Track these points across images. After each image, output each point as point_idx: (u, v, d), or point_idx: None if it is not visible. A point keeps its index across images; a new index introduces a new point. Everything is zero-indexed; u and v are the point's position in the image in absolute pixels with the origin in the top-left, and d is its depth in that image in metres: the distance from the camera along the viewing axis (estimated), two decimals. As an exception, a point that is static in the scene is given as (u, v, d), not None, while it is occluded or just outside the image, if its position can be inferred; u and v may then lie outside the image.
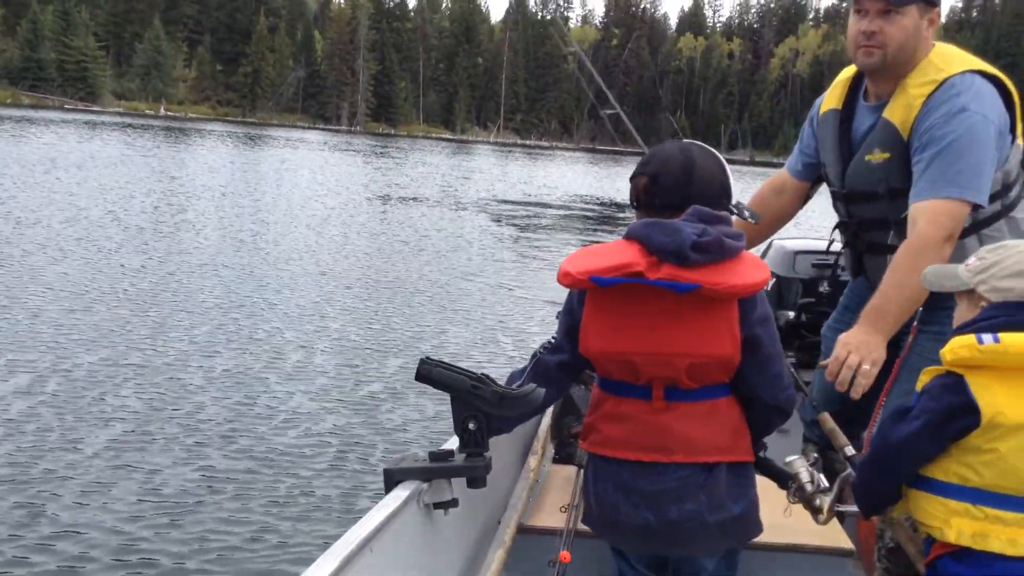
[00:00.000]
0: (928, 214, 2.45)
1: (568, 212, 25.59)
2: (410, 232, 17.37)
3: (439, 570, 2.01)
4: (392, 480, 1.86)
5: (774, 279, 3.94)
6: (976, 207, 2.48)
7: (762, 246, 4.18)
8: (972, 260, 1.98)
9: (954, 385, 1.84)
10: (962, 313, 1.98)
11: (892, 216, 2.63)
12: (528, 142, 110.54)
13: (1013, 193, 2.59)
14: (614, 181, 42.62)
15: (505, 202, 26.44)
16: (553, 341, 2.09)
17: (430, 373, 1.88)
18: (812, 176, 2.98)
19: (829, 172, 2.83)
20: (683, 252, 1.84)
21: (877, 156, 2.61)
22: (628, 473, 1.97)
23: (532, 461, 2.89)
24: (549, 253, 15.75)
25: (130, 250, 12.74)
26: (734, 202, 2.08)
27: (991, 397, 1.80)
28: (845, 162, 2.72)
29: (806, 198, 3.05)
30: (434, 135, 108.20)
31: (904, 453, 1.90)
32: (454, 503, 1.92)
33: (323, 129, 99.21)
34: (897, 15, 2.51)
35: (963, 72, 2.49)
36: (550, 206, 26.87)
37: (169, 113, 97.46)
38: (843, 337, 2.51)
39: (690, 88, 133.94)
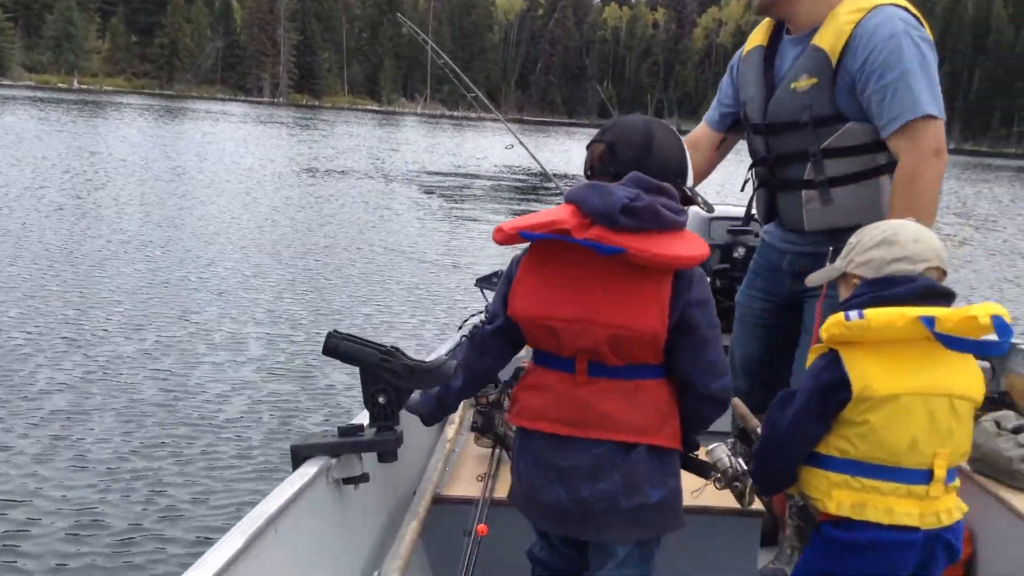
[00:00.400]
0: (908, 140, 2.49)
1: (496, 182, 25.53)
2: (336, 205, 17.13)
3: (351, 545, 1.99)
4: (300, 457, 1.83)
5: None
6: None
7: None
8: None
9: (830, 362, 1.92)
10: (842, 295, 2.07)
11: (812, 147, 2.64)
12: (455, 113, 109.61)
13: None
14: (541, 152, 42.59)
15: (433, 173, 26.25)
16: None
17: (337, 347, 1.85)
18: (728, 125, 3.01)
19: (750, 108, 2.82)
20: (612, 214, 1.78)
21: (803, 83, 2.61)
22: (544, 446, 1.93)
23: (449, 431, 2.87)
24: (477, 224, 15.70)
25: (49, 229, 12.28)
26: (689, 185, 2.04)
27: (861, 370, 1.88)
28: (769, 94, 2.73)
29: (723, 152, 3.07)
30: (360, 106, 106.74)
31: (791, 436, 1.97)
32: (364, 478, 1.90)
33: (244, 101, 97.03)
34: None
35: (890, 4, 2.54)
36: (478, 176, 26.77)
37: (83, 86, 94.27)
38: None
39: (616, 58, 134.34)
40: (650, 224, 1.80)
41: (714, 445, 2.09)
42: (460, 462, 2.71)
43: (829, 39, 2.57)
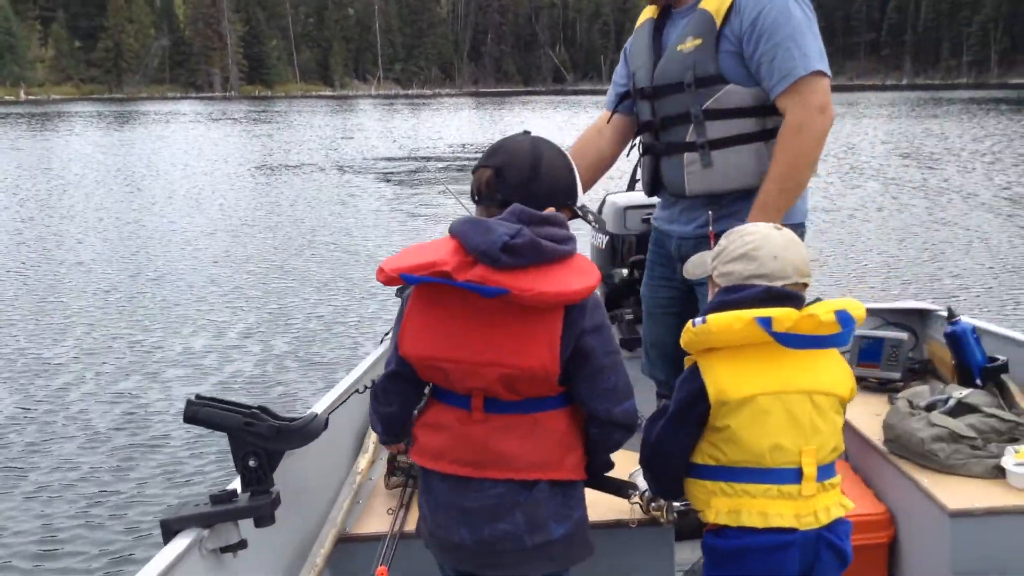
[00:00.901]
0: (794, 96, 2.58)
1: (451, 163, 25.36)
2: (287, 205, 16.93)
3: None
4: (170, 531, 1.77)
5: (607, 237, 3.96)
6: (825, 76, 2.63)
7: (598, 200, 4.20)
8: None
9: (691, 372, 1.95)
10: (708, 297, 2.07)
11: (695, 108, 2.69)
12: (410, 92, 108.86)
13: None
14: (496, 124, 42.43)
15: (389, 159, 26.05)
16: None
17: (196, 414, 1.81)
18: (618, 103, 3.02)
19: (639, 75, 2.87)
20: (493, 253, 1.72)
21: (688, 44, 2.68)
22: (445, 487, 1.89)
23: (362, 461, 2.80)
24: (433, 210, 15.60)
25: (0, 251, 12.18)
26: (579, 204, 2.00)
27: (714, 376, 1.90)
28: (657, 59, 2.79)
29: (625, 134, 3.06)
30: (313, 93, 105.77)
31: (663, 448, 1.98)
32: (242, 544, 1.85)
33: (196, 98, 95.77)
34: None
35: None
36: (434, 158, 26.58)
37: (30, 97, 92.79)
38: None
39: (566, 21, 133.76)
40: (534, 260, 1.74)
41: (635, 470, 2.08)
42: (373, 495, 2.67)
43: (714, 3, 2.65)
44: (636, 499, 2.08)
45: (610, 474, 2.11)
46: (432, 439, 1.91)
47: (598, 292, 1.90)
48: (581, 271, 1.80)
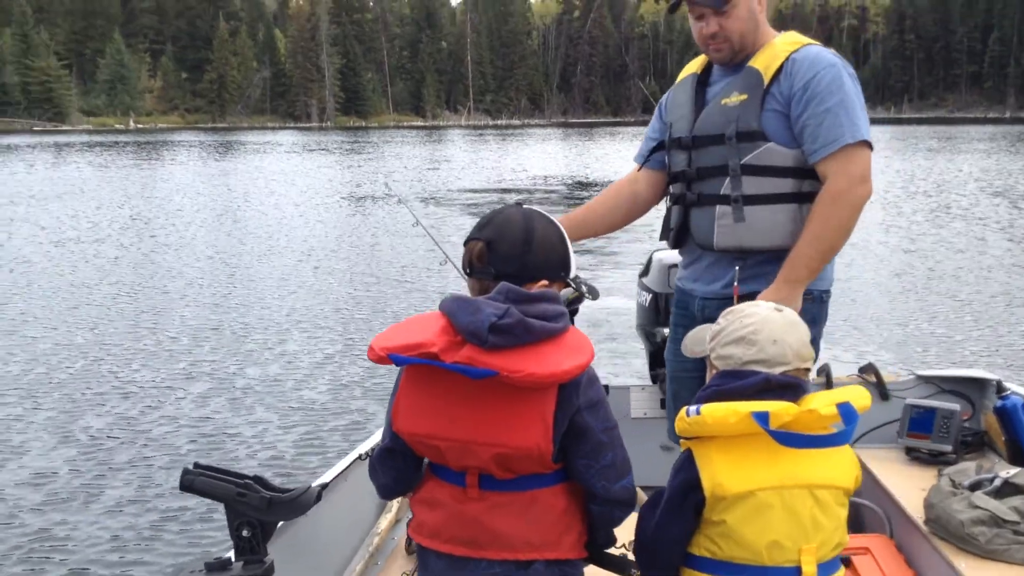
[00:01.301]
0: (838, 163, 2.61)
1: (535, 193, 25.50)
2: (373, 236, 17.31)
3: None
4: None
5: (651, 295, 3.95)
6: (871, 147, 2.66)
7: (643, 259, 4.19)
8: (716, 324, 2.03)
9: (686, 461, 1.90)
10: (709, 378, 2.02)
11: (733, 161, 2.71)
12: (499, 122, 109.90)
13: None
14: (581, 156, 42.48)
15: (474, 191, 26.33)
16: None
17: (192, 484, 1.85)
18: (654, 160, 3.05)
19: (678, 126, 2.90)
20: (481, 334, 1.71)
21: (734, 99, 2.73)
22: (442, 566, 1.89)
23: (383, 521, 2.82)
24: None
25: (110, 280, 12.71)
26: (572, 275, 1.99)
27: (711, 469, 1.85)
28: (698, 111, 2.83)
29: (658, 190, 3.10)
30: (405, 123, 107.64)
31: (658, 539, 1.94)
32: None
33: (294, 128, 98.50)
34: (731, 8, 2.69)
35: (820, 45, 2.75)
36: (517, 190, 26.77)
37: (139, 126, 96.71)
38: (760, 297, 2.60)
39: (656, 53, 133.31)
40: (523, 340, 1.73)
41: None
42: (392, 557, 2.68)
43: (764, 61, 2.72)
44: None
45: (613, 549, 2.09)
46: (428, 516, 1.91)
47: (593, 368, 1.85)
48: (574, 348, 1.78)
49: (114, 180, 30.23)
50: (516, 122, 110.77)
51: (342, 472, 2.54)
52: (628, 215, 3.14)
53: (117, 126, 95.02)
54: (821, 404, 1.84)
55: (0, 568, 4.84)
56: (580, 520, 1.91)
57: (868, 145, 2.65)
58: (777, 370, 1.88)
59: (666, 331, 3.89)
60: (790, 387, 1.88)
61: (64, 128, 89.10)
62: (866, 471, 3.24)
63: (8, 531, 5.24)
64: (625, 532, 2.07)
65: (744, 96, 2.71)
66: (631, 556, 2.04)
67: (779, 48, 2.72)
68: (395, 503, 2.90)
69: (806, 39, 2.77)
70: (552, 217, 1.99)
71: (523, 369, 1.70)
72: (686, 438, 1.93)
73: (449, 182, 29.22)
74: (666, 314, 3.93)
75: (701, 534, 1.91)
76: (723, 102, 2.75)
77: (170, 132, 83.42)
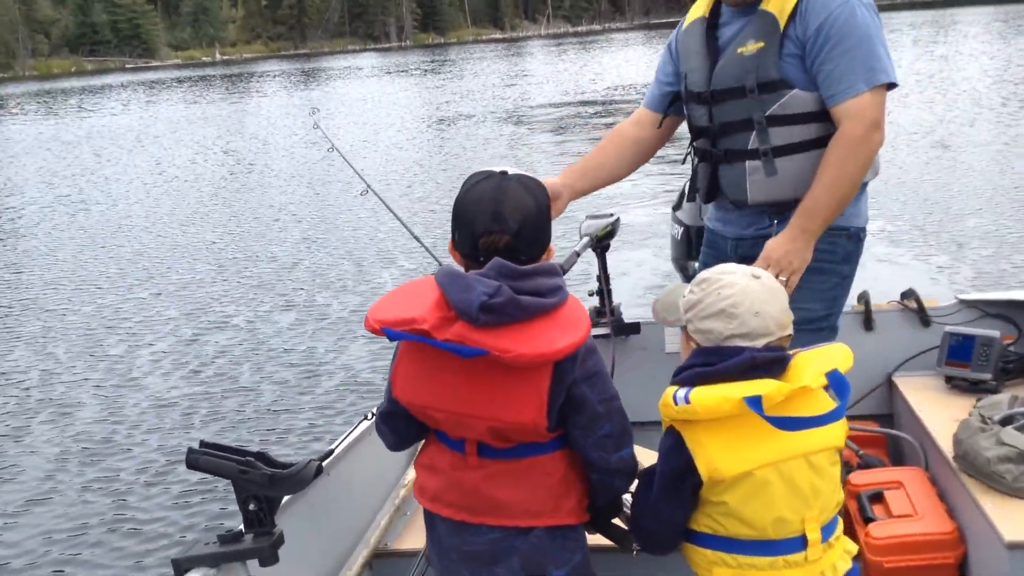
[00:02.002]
0: (852, 109, 2.48)
1: (614, 103, 25.01)
2: (455, 154, 17.22)
3: None
4: (180, 569, 1.89)
5: (683, 228, 3.87)
6: (891, 86, 2.54)
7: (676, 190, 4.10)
8: (688, 292, 1.95)
9: (675, 444, 1.83)
10: (683, 350, 1.96)
11: (757, 114, 2.59)
12: (580, 28, 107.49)
13: None
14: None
15: (554, 105, 25.97)
16: None
17: (197, 462, 1.91)
18: (668, 104, 2.91)
19: (693, 78, 2.75)
20: (471, 312, 1.68)
21: (750, 47, 2.57)
22: (445, 530, 1.92)
23: (411, 472, 2.86)
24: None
25: (212, 222, 13.02)
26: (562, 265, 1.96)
27: (705, 453, 1.79)
28: (713, 62, 2.67)
29: (666, 134, 2.98)
30: (484, 37, 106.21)
31: (657, 520, 1.91)
32: None
33: (374, 49, 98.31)
34: None
35: None
36: (596, 103, 26.28)
37: (224, 57, 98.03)
38: (767, 246, 2.57)
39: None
40: (515, 318, 1.71)
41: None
42: (418, 510, 2.76)
43: (777, 3, 2.53)
44: (637, 551, 2.03)
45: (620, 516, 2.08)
46: (429, 480, 1.94)
47: (592, 339, 1.83)
48: (569, 324, 1.75)
49: (206, 116, 30.91)
50: (597, 27, 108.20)
51: (363, 432, 2.60)
52: (634, 162, 3.02)
53: (204, 59, 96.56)
54: (809, 376, 1.78)
55: (16, 546, 5.02)
56: (580, 485, 1.91)
57: (883, 88, 2.51)
58: (760, 342, 1.82)
59: (695, 264, 3.84)
60: (776, 362, 1.82)
61: (154, 64, 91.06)
62: (903, 402, 3.17)
63: (24, 512, 5.39)
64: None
65: (761, 44, 2.54)
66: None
67: None
68: None
69: None
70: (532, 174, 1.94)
71: (513, 349, 1.69)
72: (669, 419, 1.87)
73: (529, 97, 28.88)
74: (698, 247, 3.86)
75: (701, 512, 1.87)
76: (739, 51, 2.59)
77: (254, 62, 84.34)
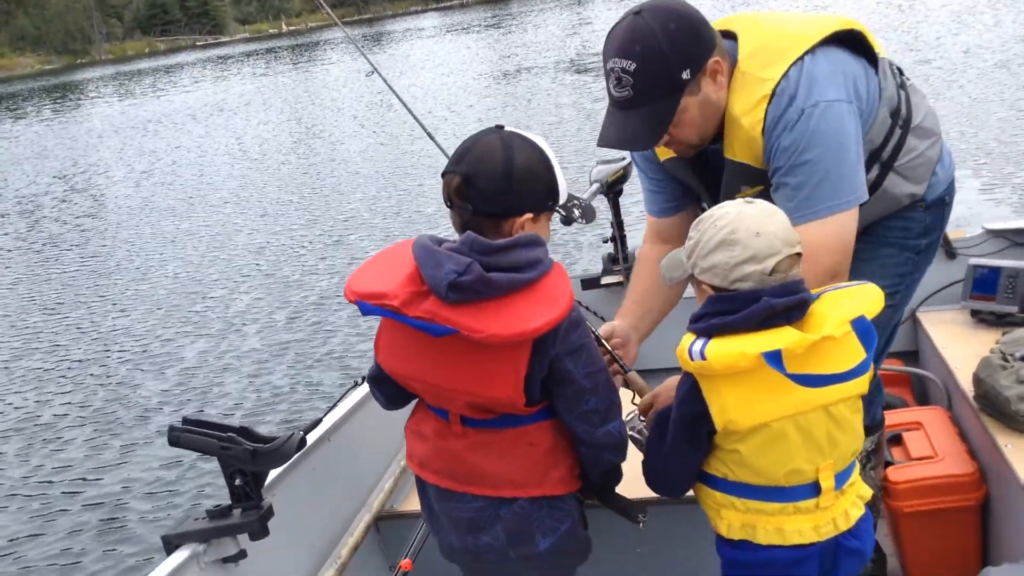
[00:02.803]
0: (813, 243, 1.95)
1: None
2: (514, 112, 17.10)
3: None
4: (171, 545, 1.92)
5: None
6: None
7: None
8: (687, 241, 1.87)
9: (690, 391, 1.78)
10: (699, 300, 1.87)
11: None
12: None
13: (903, 109, 2.28)
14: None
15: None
16: None
17: (178, 440, 1.93)
18: (682, 203, 2.47)
19: (704, 198, 2.41)
20: (440, 290, 1.64)
21: (748, 192, 2.17)
22: (433, 494, 1.92)
23: None
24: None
25: (282, 197, 13.13)
26: (563, 200, 1.85)
27: (721, 403, 1.73)
28: (715, 193, 2.28)
29: (686, 225, 2.53)
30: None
31: (674, 464, 1.86)
32: (242, 555, 1.98)
33: (435, 8, 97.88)
34: (680, 117, 2.07)
35: (786, 72, 2.04)
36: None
37: (290, 28, 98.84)
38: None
39: None
40: (485, 295, 1.65)
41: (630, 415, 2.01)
42: None
43: (745, 152, 2.13)
44: (644, 521, 1.97)
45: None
46: (417, 447, 1.92)
47: (577, 310, 1.75)
48: (547, 300, 1.67)
49: (275, 87, 31.18)
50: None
51: (364, 396, 2.61)
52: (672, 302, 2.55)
53: (271, 31, 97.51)
54: (834, 326, 1.69)
55: (9, 514, 5.12)
56: (569, 455, 1.86)
57: (846, 212, 2.06)
58: (769, 263, 1.72)
59: None
60: (796, 307, 1.72)
61: (223, 40, 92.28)
62: (927, 338, 3.04)
63: (9, 495, 5.47)
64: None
65: (759, 188, 2.16)
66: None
67: (747, 127, 2.09)
68: None
69: (766, 73, 2.06)
70: (536, 138, 1.81)
71: (485, 329, 1.63)
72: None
73: (590, 45, 28.38)
74: None
75: (714, 456, 1.83)
76: (738, 196, 2.04)
77: (319, 31, 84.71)
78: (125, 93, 39.25)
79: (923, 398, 3.14)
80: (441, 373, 1.76)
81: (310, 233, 10.59)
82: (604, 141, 2.13)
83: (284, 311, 7.95)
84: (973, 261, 3.02)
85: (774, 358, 1.66)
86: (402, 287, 1.69)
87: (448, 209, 1.81)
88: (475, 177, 1.74)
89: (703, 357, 1.68)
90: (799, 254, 1.78)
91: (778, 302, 1.69)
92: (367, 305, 1.73)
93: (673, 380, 2.08)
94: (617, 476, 1.97)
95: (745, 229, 1.75)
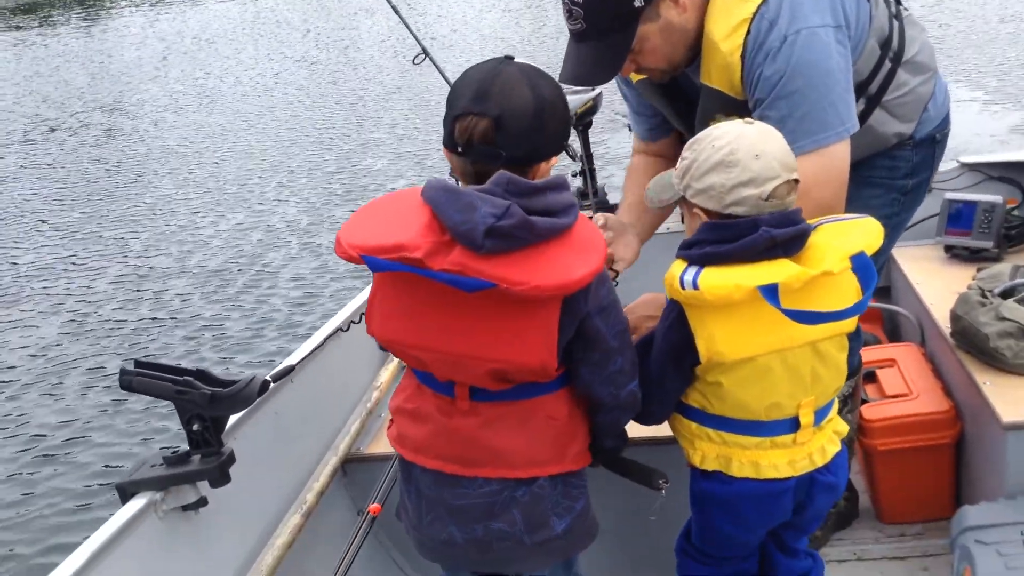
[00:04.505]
0: (802, 177, 1.79)
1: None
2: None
3: (220, 555, 1.98)
4: (127, 495, 1.80)
5: None
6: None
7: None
8: (680, 160, 1.77)
9: (676, 320, 1.70)
10: (688, 226, 1.79)
11: None
12: None
13: (895, 41, 2.16)
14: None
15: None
16: None
17: (130, 384, 1.80)
18: (669, 125, 2.37)
19: (675, 124, 2.34)
20: (474, 237, 1.43)
21: (721, 119, 1.98)
22: (429, 481, 1.70)
23: (384, 374, 2.73)
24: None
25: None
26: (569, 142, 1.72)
27: (707, 334, 1.66)
28: (690, 121, 2.18)
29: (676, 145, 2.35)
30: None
31: (652, 390, 1.78)
32: (202, 502, 1.87)
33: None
34: (640, 46, 1.96)
35: None
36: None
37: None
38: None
39: None
40: (526, 242, 1.47)
41: None
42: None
43: (722, 77, 2.00)
44: (666, 487, 1.81)
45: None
46: (411, 429, 1.71)
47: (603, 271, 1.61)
48: (585, 248, 1.51)
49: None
50: None
51: (322, 343, 2.45)
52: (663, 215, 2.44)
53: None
54: (833, 261, 1.62)
55: None
56: (584, 426, 1.73)
57: (836, 143, 1.95)
58: (767, 187, 1.64)
59: None
60: (796, 239, 1.64)
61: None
62: (901, 274, 3.00)
63: None
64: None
65: (733, 116, 1.91)
66: None
67: (726, 52, 1.96)
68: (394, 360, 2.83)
69: (738, 1, 1.94)
70: (547, 72, 1.64)
71: (527, 281, 1.44)
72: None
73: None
74: None
75: (693, 387, 1.77)
76: (711, 123, 1.93)
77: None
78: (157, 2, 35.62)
79: (895, 334, 3.12)
80: (460, 339, 1.55)
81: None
82: (562, 77, 2.01)
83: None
84: (948, 196, 2.97)
85: (770, 292, 1.60)
86: (422, 236, 1.47)
87: (454, 155, 1.60)
88: (506, 118, 1.54)
89: (695, 287, 1.61)
90: (796, 180, 1.70)
91: (778, 232, 1.62)
92: (378, 260, 1.49)
93: (650, 296, 2.03)
94: (625, 440, 1.84)
95: (745, 150, 1.66)
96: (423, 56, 3.48)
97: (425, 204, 1.51)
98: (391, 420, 1.80)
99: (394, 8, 3.53)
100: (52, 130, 13.38)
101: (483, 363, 1.56)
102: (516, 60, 1.63)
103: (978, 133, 7.63)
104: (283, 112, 12.91)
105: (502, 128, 1.54)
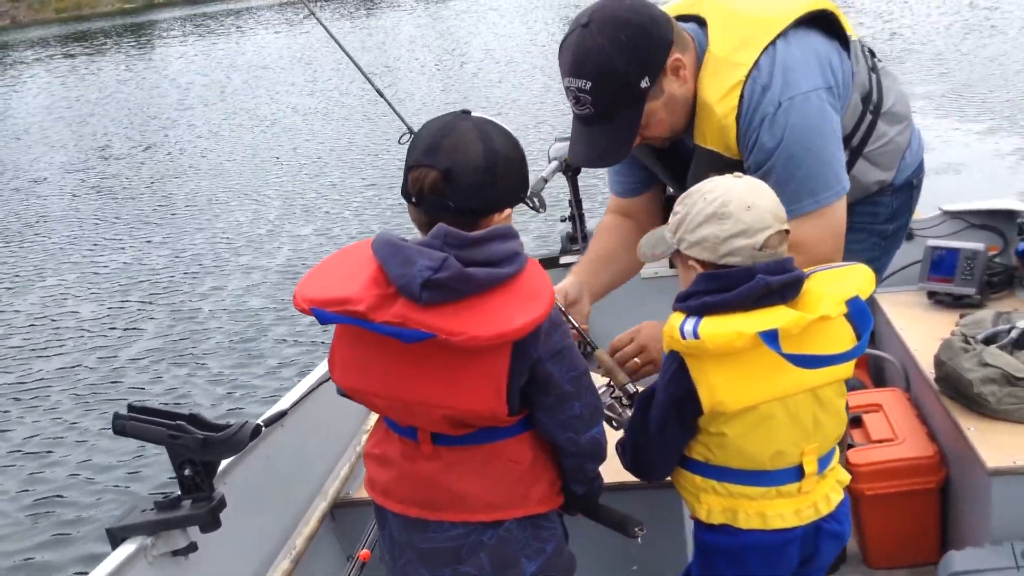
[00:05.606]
0: (804, 236, 1.95)
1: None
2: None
3: None
4: (117, 539, 1.80)
5: None
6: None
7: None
8: (671, 216, 1.81)
9: (677, 371, 1.72)
10: (683, 279, 1.82)
11: None
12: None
13: (874, 94, 2.22)
14: None
15: None
16: None
17: (124, 428, 1.81)
18: (646, 184, 2.41)
19: (668, 184, 2.39)
20: (412, 290, 1.47)
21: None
22: (397, 525, 1.73)
23: (373, 418, 2.72)
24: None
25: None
26: (530, 193, 1.77)
27: (709, 384, 1.68)
28: (681, 180, 2.19)
29: (654, 204, 2.45)
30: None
31: (653, 447, 1.80)
32: (192, 548, 1.87)
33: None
34: (648, 119, 2.01)
35: (757, 59, 1.97)
36: None
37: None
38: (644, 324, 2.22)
39: None
40: (464, 293, 1.49)
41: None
42: None
43: (717, 139, 2.05)
44: (642, 535, 1.82)
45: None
46: (379, 473, 1.74)
47: (557, 308, 1.62)
48: (528, 296, 1.53)
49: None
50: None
51: (313, 387, 2.47)
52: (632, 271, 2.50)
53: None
54: (830, 306, 1.65)
55: None
56: (550, 469, 1.73)
57: (833, 204, 2.03)
58: (760, 237, 1.68)
59: None
60: (791, 285, 1.68)
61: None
62: (885, 320, 3.04)
63: None
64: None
65: (725, 174, 1.96)
66: None
67: (720, 115, 2.00)
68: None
69: (739, 57, 1.99)
70: (505, 127, 1.69)
71: (465, 331, 1.47)
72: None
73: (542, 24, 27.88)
74: None
75: (696, 440, 1.78)
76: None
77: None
78: (203, 33, 35.61)
79: (880, 379, 3.15)
80: (411, 386, 1.59)
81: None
82: (575, 159, 2.10)
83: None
84: (931, 243, 3.02)
85: (771, 338, 1.62)
86: (366, 289, 1.52)
87: (410, 205, 1.65)
88: (456, 172, 1.58)
89: (696, 336, 1.63)
90: (787, 231, 1.75)
91: (774, 280, 1.66)
92: (325, 313, 1.54)
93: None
94: (600, 485, 1.84)
95: (736, 202, 1.71)
96: (408, 135, 3.50)
97: (373, 257, 1.56)
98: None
99: (378, 91, 3.56)
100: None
101: (435, 409, 1.59)
102: (473, 115, 1.67)
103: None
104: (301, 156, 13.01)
105: (451, 180, 1.58)
